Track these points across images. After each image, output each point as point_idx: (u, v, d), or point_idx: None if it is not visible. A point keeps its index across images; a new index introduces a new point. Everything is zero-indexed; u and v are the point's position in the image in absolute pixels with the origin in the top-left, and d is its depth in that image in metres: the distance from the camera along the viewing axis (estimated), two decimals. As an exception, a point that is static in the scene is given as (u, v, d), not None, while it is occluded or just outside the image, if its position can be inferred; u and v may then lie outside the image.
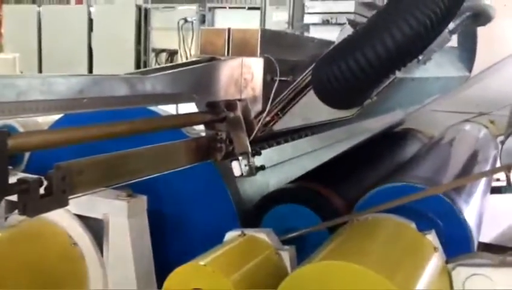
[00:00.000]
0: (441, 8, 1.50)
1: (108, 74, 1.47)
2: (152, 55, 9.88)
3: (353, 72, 1.58)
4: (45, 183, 1.31)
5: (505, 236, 4.23)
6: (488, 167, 3.37)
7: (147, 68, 2.00)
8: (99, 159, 1.52)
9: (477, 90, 5.10)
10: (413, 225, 1.70)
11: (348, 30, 1.76)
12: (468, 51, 4.40)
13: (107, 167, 1.54)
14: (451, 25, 2.20)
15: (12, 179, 1.25)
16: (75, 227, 2.03)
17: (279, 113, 2.01)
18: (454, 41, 3.97)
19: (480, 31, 4.16)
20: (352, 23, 1.86)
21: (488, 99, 5.03)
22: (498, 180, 3.68)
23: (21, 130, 2.82)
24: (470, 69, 4.55)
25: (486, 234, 3.47)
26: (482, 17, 2.48)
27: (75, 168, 1.41)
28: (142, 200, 2.02)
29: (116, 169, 1.58)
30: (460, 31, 2.50)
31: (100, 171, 1.51)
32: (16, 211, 1.30)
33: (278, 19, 6.65)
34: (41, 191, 1.30)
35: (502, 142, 2.38)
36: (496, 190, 3.23)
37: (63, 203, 1.35)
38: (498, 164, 3.43)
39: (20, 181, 1.25)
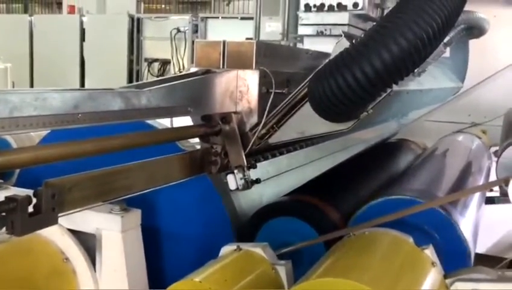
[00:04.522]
0: (438, 23, 1.50)
1: (103, 88, 1.44)
2: (145, 64, 9.85)
3: (350, 86, 1.57)
4: (34, 200, 1.28)
5: (499, 246, 4.23)
6: (482, 178, 3.37)
7: (143, 81, 1.98)
8: (91, 174, 1.48)
9: (470, 101, 5.16)
10: (410, 240, 1.69)
11: (344, 43, 1.75)
12: (460, 62, 4.44)
13: (99, 183, 1.50)
14: (446, 38, 2.21)
15: (1, 194, 1.22)
16: (66, 242, 1.98)
17: (274, 126, 1.99)
18: (446, 51, 3.99)
19: (472, 41, 4.20)
20: (347, 35, 1.85)
21: (480, 110, 5.08)
22: (491, 190, 3.68)
23: (13, 143, 2.78)
24: (462, 80, 4.59)
25: (481, 244, 3.47)
26: (476, 29, 2.49)
27: (66, 184, 1.37)
28: (136, 214, 1.98)
29: (109, 185, 1.54)
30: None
31: (92, 188, 1.47)
32: (4, 229, 1.26)
33: (272, 29, 6.65)
34: (30, 208, 1.26)
35: (498, 155, 2.37)
36: (489, 200, 3.23)
37: (53, 221, 1.31)
38: (492, 174, 3.43)
39: (8, 199, 1.22)
